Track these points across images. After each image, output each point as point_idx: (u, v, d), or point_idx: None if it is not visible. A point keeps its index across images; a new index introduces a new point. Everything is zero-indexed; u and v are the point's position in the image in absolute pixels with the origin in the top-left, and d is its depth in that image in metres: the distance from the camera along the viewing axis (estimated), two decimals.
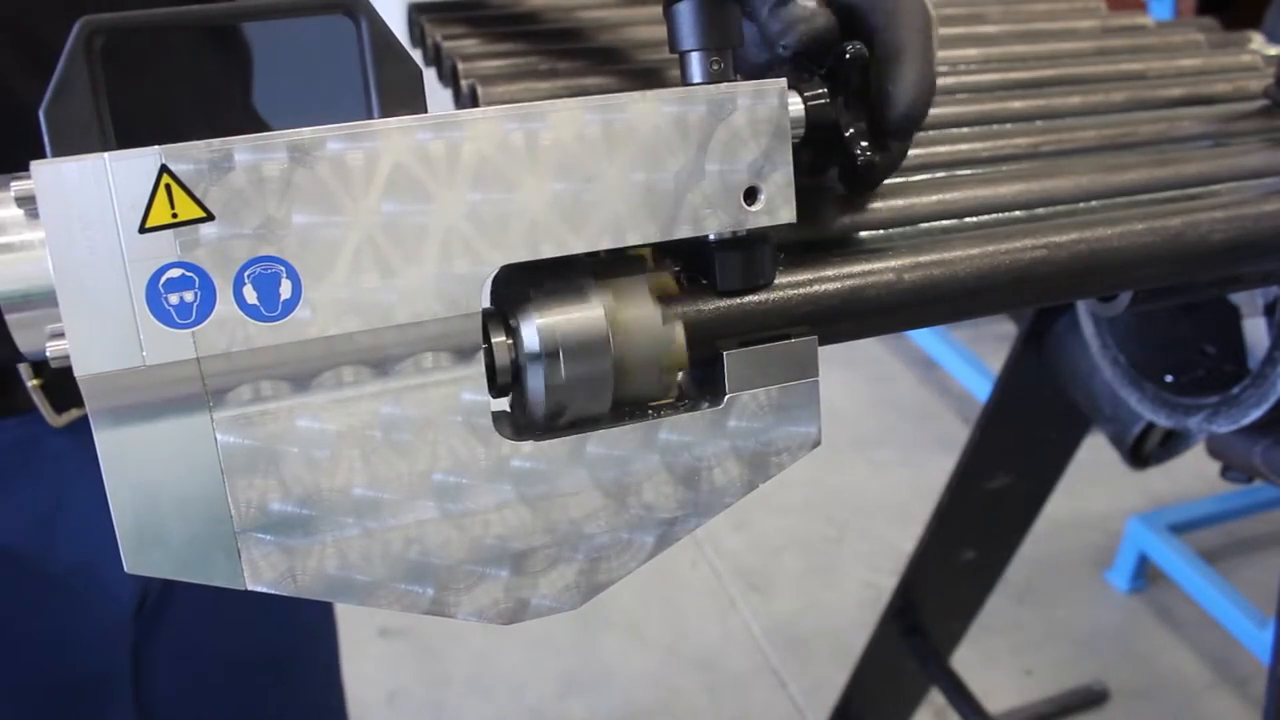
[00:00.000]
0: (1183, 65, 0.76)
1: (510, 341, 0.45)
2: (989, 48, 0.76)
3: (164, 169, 0.38)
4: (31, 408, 0.69)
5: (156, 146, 0.38)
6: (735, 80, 0.46)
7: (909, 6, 0.51)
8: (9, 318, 0.40)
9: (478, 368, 0.43)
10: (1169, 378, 0.90)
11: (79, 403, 0.69)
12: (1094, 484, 2.27)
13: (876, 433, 2.68)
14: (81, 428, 0.68)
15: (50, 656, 0.76)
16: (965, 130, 0.65)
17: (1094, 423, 1.09)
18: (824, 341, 0.49)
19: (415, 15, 0.79)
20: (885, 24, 0.51)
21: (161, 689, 0.87)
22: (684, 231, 0.45)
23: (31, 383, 0.68)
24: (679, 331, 0.46)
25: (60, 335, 0.39)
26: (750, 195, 0.45)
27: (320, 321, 0.40)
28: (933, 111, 0.64)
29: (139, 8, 0.41)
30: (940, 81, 0.69)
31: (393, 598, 0.44)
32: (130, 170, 0.38)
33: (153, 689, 0.86)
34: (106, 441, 0.39)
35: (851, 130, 0.51)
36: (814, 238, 0.54)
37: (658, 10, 0.52)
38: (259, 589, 0.42)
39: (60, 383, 0.68)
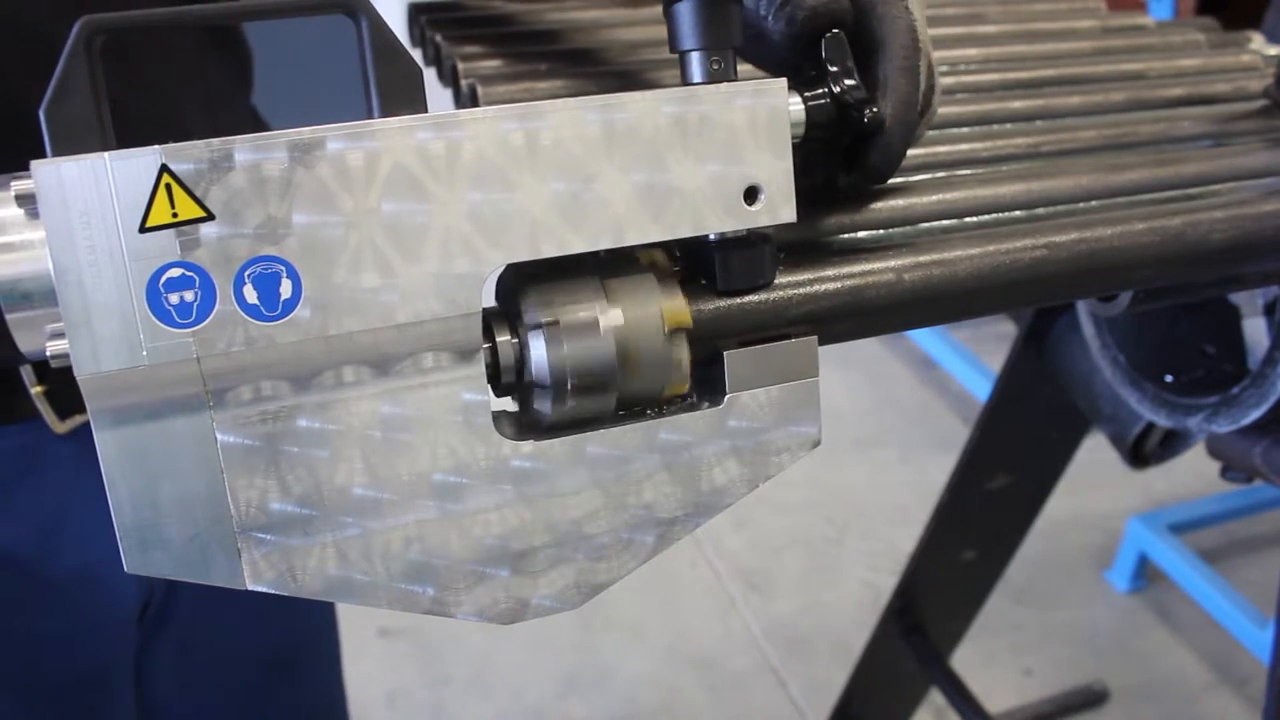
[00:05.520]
0: (1183, 65, 0.76)
1: (515, 340, 0.45)
2: (989, 48, 0.76)
3: (164, 168, 0.38)
4: (35, 414, 0.69)
5: (156, 146, 0.38)
6: (735, 80, 0.46)
7: (899, 34, 0.50)
8: (9, 317, 0.40)
9: (478, 368, 0.43)
10: (1169, 378, 0.90)
11: (82, 409, 0.69)
12: (1094, 484, 2.27)
13: (876, 433, 2.68)
14: (84, 434, 0.68)
15: (52, 660, 0.76)
16: (965, 130, 0.65)
17: (1094, 423, 1.09)
18: (824, 341, 0.49)
19: (415, 15, 0.79)
20: (873, 48, 0.51)
21: (163, 690, 0.87)
22: (684, 231, 0.45)
23: (35, 389, 0.68)
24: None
25: (60, 335, 0.39)
26: (750, 195, 0.45)
27: (320, 321, 0.40)
28: None
29: (140, 7, 0.41)
30: (940, 81, 0.69)
31: (393, 598, 0.44)
32: (130, 170, 0.38)
33: (154, 690, 0.86)
34: (107, 441, 0.39)
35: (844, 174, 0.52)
36: (814, 238, 0.54)
37: (657, 10, 0.52)
38: (259, 589, 0.42)
39: (63, 389, 0.68)
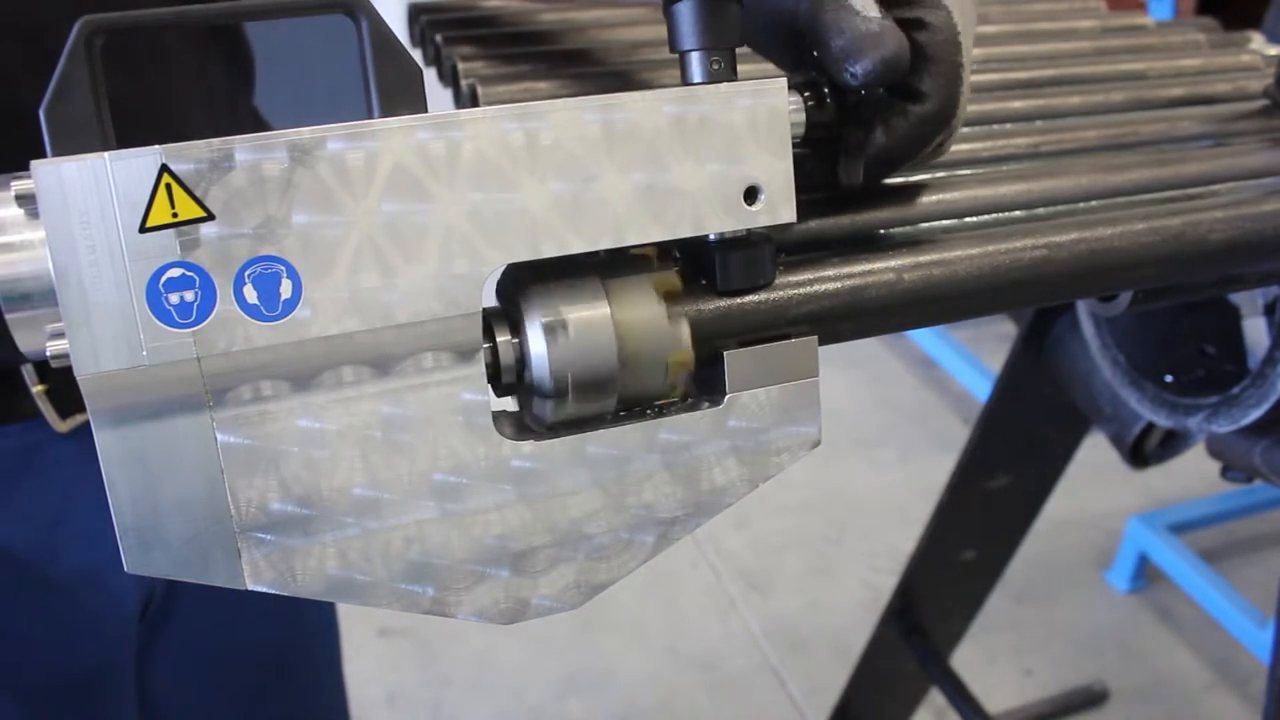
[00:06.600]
0: (1183, 65, 0.76)
1: (515, 340, 0.45)
2: (989, 48, 0.76)
3: (164, 168, 0.38)
4: (36, 413, 0.69)
5: (157, 146, 0.38)
6: (735, 80, 0.46)
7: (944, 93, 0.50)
8: (9, 317, 0.40)
9: (478, 367, 0.43)
10: (1169, 378, 0.90)
11: (83, 408, 0.69)
12: (1094, 484, 2.27)
13: (876, 433, 2.68)
14: (86, 434, 0.68)
15: (53, 658, 0.76)
16: (965, 130, 0.65)
17: (1094, 423, 1.09)
18: (824, 341, 0.49)
19: (415, 15, 0.79)
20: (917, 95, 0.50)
21: (163, 689, 0.87)
22: (684, 231, 0.45)
23: (36, 388, 0.68)
24: (685, 329, 0.46)
25: (60, 335, 0.39)
26: (750, 195, 0.45)
27: (320, 321, 0.40)
28: None
29: (140, 7, 0.41)
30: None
31: (393, 598, 0.44)
32: (130, 170, 0.38)
33: (155, 690, 0.86)
34: (106, 441, 0.39)
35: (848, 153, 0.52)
36: (814, 238, 0.54)
37: (657, 10, 0.52)
38: (259, 589, 0.42)
39: (65, 388, 0.68)
